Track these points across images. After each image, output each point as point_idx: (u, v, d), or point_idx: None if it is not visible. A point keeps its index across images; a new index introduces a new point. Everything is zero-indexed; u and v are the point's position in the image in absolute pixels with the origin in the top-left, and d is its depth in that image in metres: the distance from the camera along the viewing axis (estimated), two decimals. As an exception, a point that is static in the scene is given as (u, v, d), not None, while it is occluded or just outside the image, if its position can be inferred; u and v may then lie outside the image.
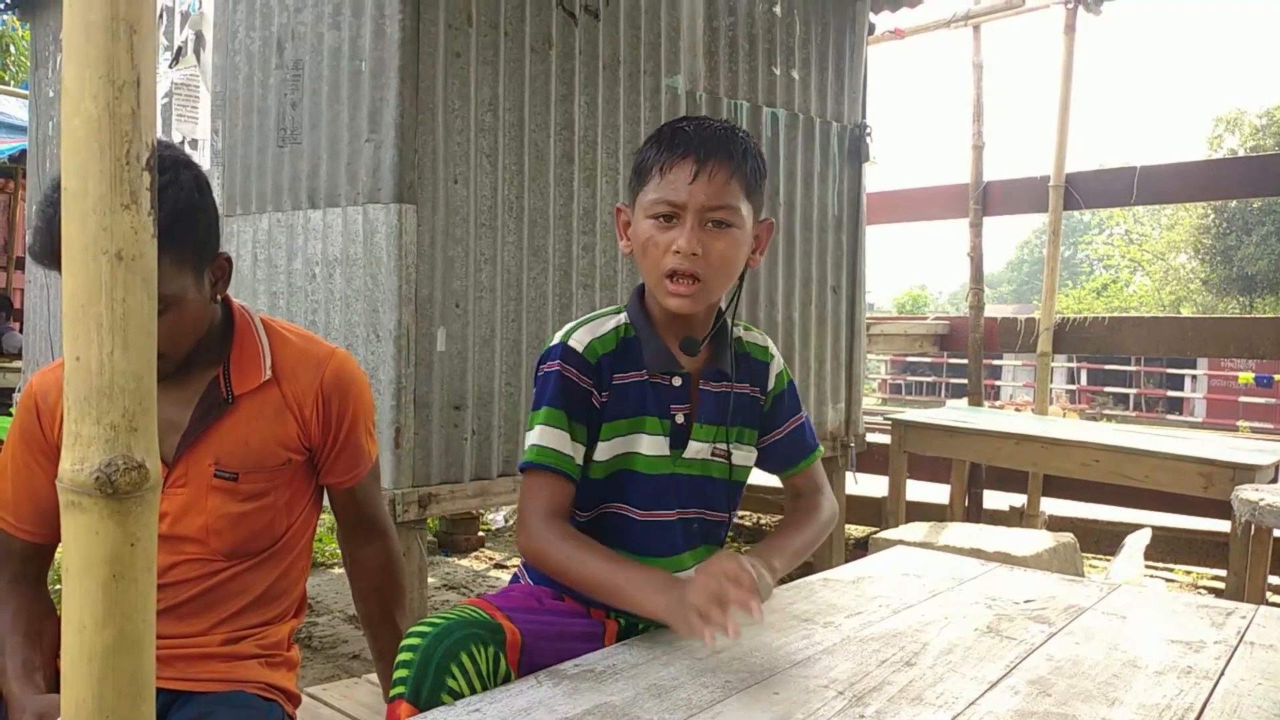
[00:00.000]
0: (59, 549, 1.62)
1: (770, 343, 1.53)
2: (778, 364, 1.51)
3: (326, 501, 1.56)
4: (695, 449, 1.41)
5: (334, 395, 1.43)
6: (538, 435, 1.32)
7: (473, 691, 1.17)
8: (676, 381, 1.39)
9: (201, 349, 1.35)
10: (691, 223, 1.30)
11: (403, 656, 1.18)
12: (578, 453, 1.34)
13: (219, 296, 1.37)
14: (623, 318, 1.41)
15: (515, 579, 1.50)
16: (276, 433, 1.40)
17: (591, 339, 1.36)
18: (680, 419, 1.40)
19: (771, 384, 1.50)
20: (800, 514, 1.50)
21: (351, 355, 1.54)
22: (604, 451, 1.37)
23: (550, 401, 1.33)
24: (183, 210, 1.25)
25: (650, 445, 1.38)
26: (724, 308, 1.45)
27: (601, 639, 1.38)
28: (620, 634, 1.40)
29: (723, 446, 1.43)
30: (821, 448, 1.58)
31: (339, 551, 1.68)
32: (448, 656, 1.17)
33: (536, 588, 1.43)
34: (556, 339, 1.37)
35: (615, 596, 1.25)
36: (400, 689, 1.17)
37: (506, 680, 1.22)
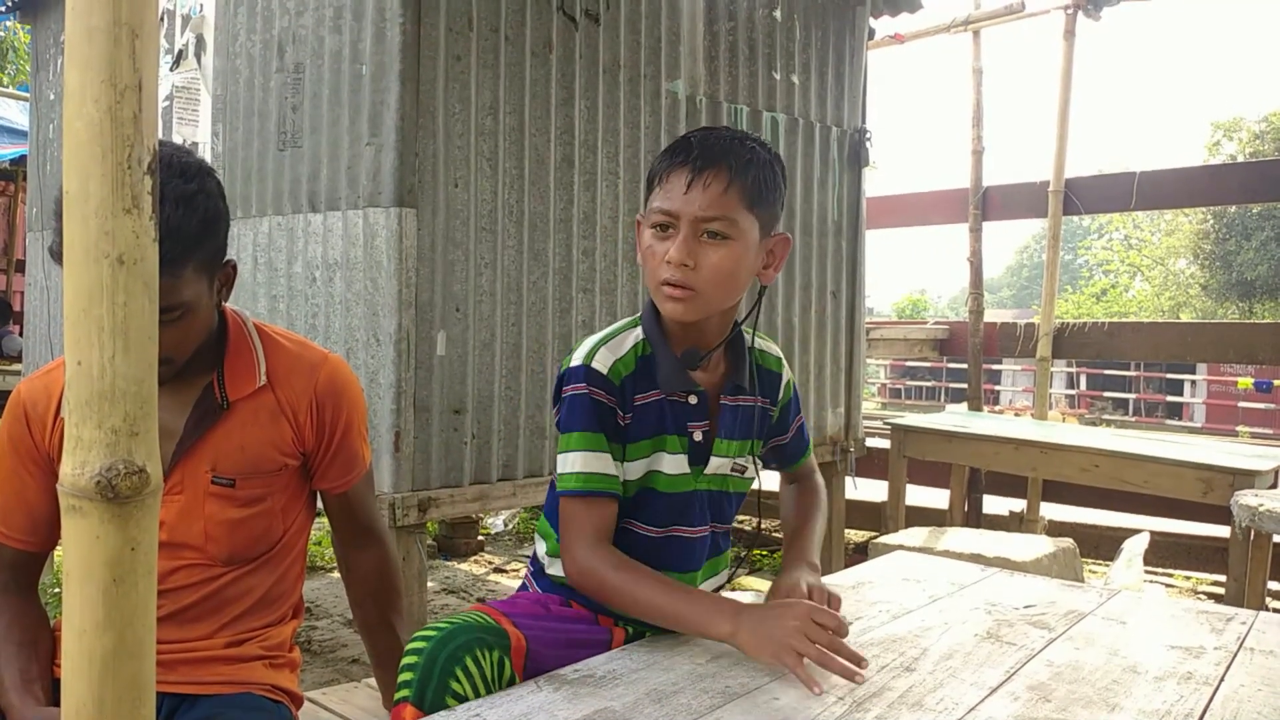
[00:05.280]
0: (53, 555, 1.62)
1: (781, 353, 1.54)
2: (787, 373, 1.53)
3: (322, 505, 1.56)
4: (717, 465, 1.41)
5: (328, 400, 1.43)
6: (580, 461, 1.31)
7: (477, 695, 1.17)
8: (693, 399, 1.38)
9: (197, 355, 1.35)
10: (685, 233, 1.28)
11: (407, 660, 1.19)
12: (620, 471, 1.34)
13: (222, 303, 1.38)
14: (639, 333, 1.39)
15: (523, 587, 1.50)
16: (272, 438, 1.40)
17: (614, 360, 1.34)
18: (699, 436, 1.39)
19: (781, 395, 1.51)
20: (805, 503, 1.59)
21: (345, 360, 1.53)
22: (631, 472, 1.37)
23: (586, 425, 1.31)
24: (212, 218, 1.26)
25: (671, 464, 1.37)
26: (739, 321, 1.43)
27: (609, 645, 1.38)
28: (628, 642, 1.40)
29: (742, 462, 1.44)
30: (812, 444, 1.67)
31: (338, 556, 1.68)
32: (452, 660, 1.17)
33: (544, 595, 1.43)
34: (577, 359, 1.35)
35: (676, 622, 1.25)
36: (405, 692, 1.17)
37: (511, 685, 1.22)
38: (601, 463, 1.32)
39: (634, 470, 1.37)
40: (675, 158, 1.31)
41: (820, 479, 1.65)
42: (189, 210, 1.22)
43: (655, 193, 1.33)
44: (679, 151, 1.31)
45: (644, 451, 1.36)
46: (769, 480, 1.58)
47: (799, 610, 1.17)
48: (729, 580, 1.53)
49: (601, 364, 1.34)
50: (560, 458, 1.33)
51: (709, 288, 1.30)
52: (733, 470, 1.43)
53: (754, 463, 1.47)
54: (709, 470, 1.40)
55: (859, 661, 1.13)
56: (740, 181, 1.29)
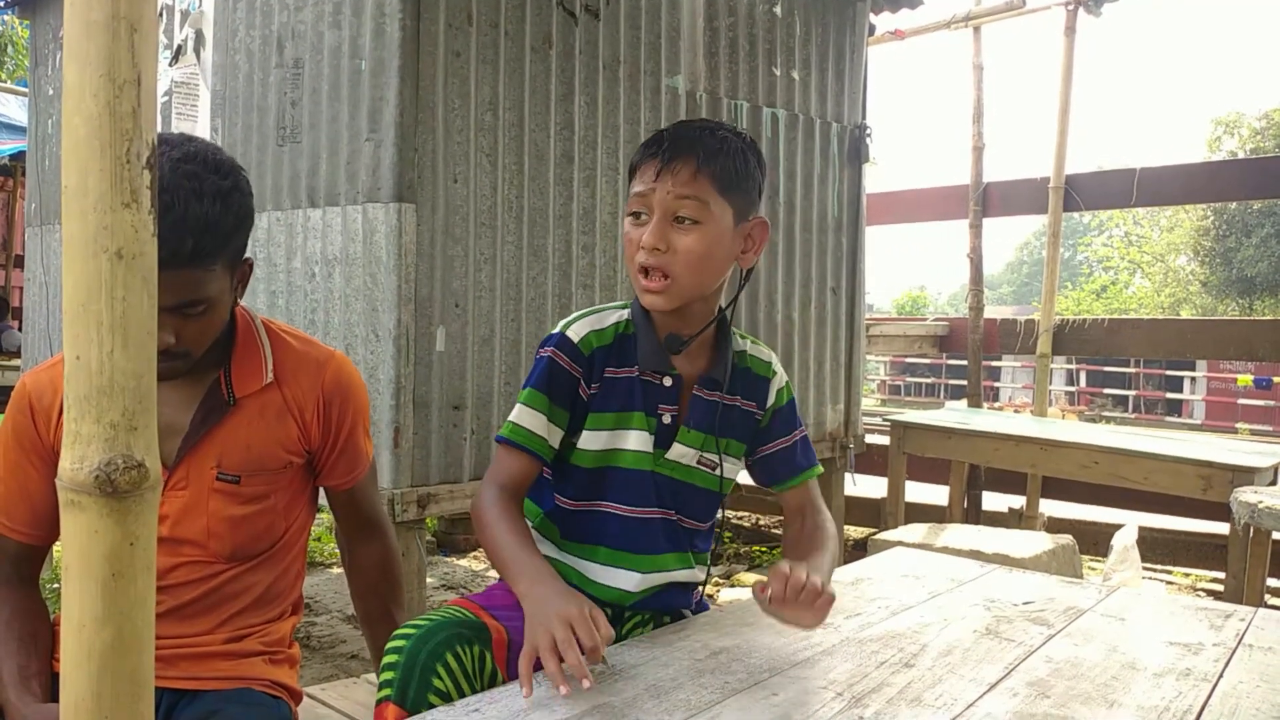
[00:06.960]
0: (53, 551, 1.62)
1: (775, 359, 1.51)
2: (779, 380, 1.49)
3: (324, 501, 1.56)
4: (679, 452, 1.41)
5: (334, 398, 1.43)
6: (517, 414, 1.37)
7: (459, 691, 1.18)
8: (667, 382, 1.40)
9: (206, 350, 1.34)
10: (657, 217, 1.32)
11: (388, 659, 1.19)
12: (553, 436, 1.37)
13: (238, 299, 1.38)
14: (625, 314, 1.43)
15: None
16: (278, 435, 1.40)
17: (589, 331, 1.39)
18: (667, 419, 1.40)
19: (771, 400, 1.48)
20: (812, 536, 1.43)
21: (349, 357, 1.54)
22: (591, 441, 1.39)
23: (536, 384, 1.37)
24: (244, 214, 1.27)
25: (636, 441, 1.39)
26: (724, 307, 1.44)
27: None
28: None
29: (710, 456, 1.42)
30: (819, 468, 1.53)
31: (337, 551, 1.68)
32: (433, 657, 1.18)
33: None
34: (559, 327, 1.41)
35: (500, 568, 1.28)
36: (387, 691, 1.17)
37: (493, 679, 1.23)
38: (533, 420, 1.36)
39: (595, 441, 1.39)
40: (649, 149, 1.36)
41: (829, 517, 1.48)
42: (225, 206, 1.22)
43: (632, 183, 1.38)
44: (652, 143, 1.37)
45: (607, 424, 1.39)
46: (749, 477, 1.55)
47: (569, 613, 1.12)
48: (708, 580, 1.50)
49: (575, 334, 1.39)
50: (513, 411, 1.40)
51: (684, 272, 1.33)
52: (699, 463, 1.43)
53: (724, 461, 1.43)
54: (670, 455, 1.41)
55: (581, 680, 1.07)
56: (709, 168, 1.33)
